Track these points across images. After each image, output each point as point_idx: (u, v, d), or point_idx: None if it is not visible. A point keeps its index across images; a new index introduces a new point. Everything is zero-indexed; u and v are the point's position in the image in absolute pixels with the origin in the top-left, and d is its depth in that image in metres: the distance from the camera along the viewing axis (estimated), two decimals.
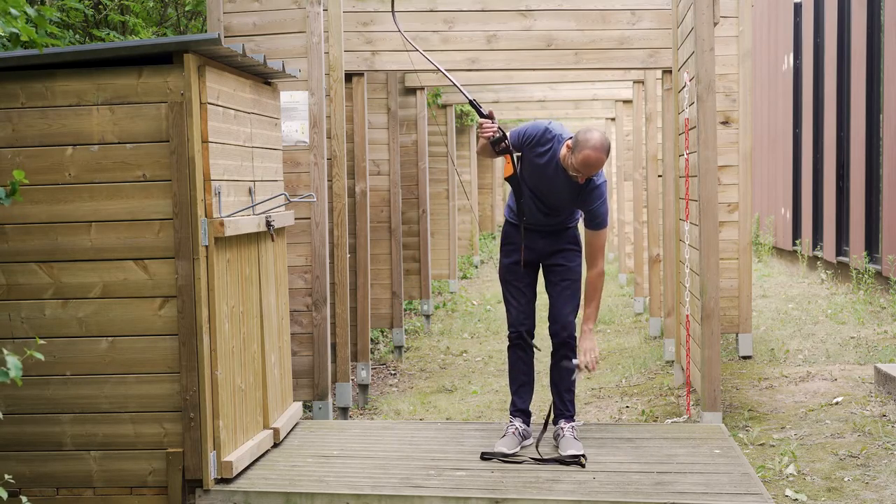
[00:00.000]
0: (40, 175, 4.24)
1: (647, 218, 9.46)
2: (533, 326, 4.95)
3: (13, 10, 3.64)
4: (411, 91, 9.99)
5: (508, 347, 5.01)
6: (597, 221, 4.75)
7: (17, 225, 4.27)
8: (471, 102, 4.75)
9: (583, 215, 4.83)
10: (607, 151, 4.52)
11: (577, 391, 7.00)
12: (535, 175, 4.76)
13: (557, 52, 6.39)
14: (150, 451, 4.28)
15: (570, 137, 4.62)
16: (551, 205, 4.82)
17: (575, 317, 4.93)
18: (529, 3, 6.40)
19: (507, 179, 4.78)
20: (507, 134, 4.71)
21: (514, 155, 4.73)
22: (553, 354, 4.96)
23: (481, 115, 4.69)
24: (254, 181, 4.79)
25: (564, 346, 4.91)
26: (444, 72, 4.91)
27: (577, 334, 4.88)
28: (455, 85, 4.89)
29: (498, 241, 5.11)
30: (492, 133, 4.65)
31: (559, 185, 4.72)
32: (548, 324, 4.92)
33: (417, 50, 5.16)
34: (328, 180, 6.09)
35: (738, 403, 6.23)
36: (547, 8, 6.39)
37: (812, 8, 12.55)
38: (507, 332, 5.00)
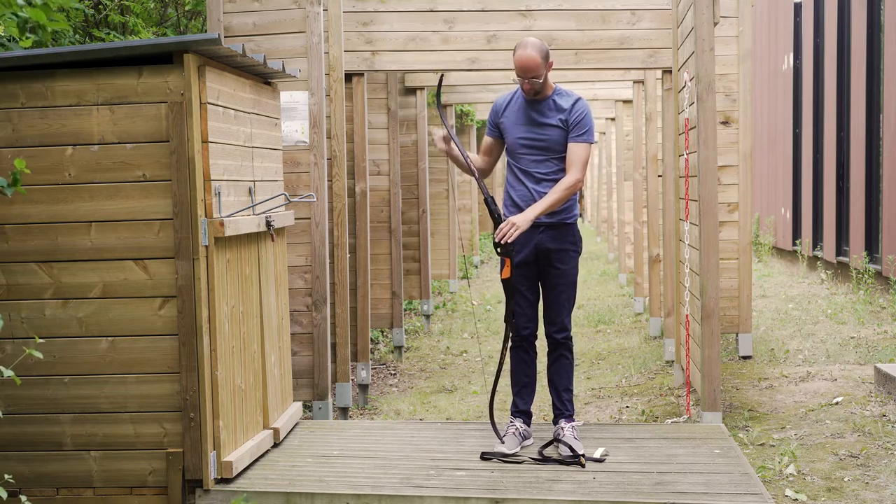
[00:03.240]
0: (40, 175, 4.24)
1: (647, 218, 9.46)
2: (536, 329, 4.95)
3: (19, 0, 3.66)
4: (411, 91, 9.99)
5: (511, 349, 5.01)
6: (581, 132, 4.79)
7: (17, 225, 4.27)
8: (486, 201, 4.80)
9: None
10: (539, 50, 4.66)
11: (576, 391, 7.02)
12: (518, 125, 4.86)
13: (557, 52, 6.38)
14: (150, 451, 4.28)
15: None
16: (542, 144, 4.83)
17: (570, 317, 4.94)
18: (529, 3, 6.40)
19: (503, 282, 4.85)
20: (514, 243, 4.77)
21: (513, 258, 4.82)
22: (549, 354, 4.97)
23: (494, 219, 4.79)
24: (254, 181, 4.79)
25: (560, 345, 4.91)
26: (477, 178, 4.97)
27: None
28: (478, 182, 4.96)
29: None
30: (499, 238, 4.72)
31: (537, 116, 4.82)
32: (543, 324, 4.94)
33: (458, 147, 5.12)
34: (328, 180, 6.09)
35: (738, 403, 6.23)
36: (547, 8, 6.39)
37: (812, 8, 12.55)
38: (511, 335, 5.00)
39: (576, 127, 4.79)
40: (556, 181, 4.82)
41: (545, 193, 4.79)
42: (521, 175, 4.86)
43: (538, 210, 4.71)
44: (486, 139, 5.03)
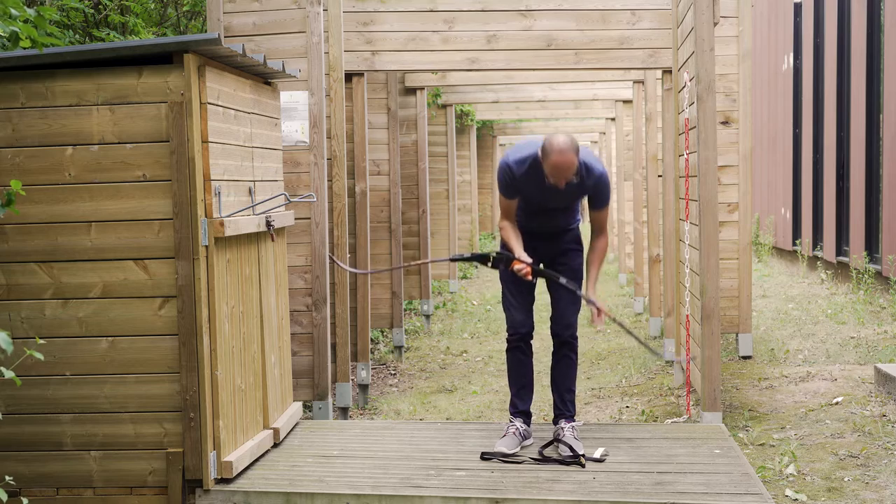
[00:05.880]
0: (40, 175, 4.24)
1: (647, 218, 9.46)
2: (532, 328, 4.95)
3: (13, 11, 3.64)
4: (411, 91, 10.00)
5: (507, 350, 5.01)
6: (601, 204, 4.83)
7: (17, 225, 4.27)
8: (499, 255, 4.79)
9: (588, 200, 4.87)
10: (576, 150, 4.52)
11: (577, 391, 7.01)
12: (532, 190, 4.78)
13: (557, 52, 6.39)
14: (150, 451, 4.28)
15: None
16: (555, 206, 4.85)
17: (577, 317, 4.94)
18: (529, 3, 6.40)
19: (534, 273, 4.81)
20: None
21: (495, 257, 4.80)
22: (554, 354, 4.97)
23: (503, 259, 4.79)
24: (254, 181, 4.79)
25: (566, 345, 4.92)
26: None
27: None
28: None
29: (498, 240, 5.08)
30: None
31: (557, 189, 4.70)
32: (549, 324, 4.94)
33: None
34: (328, 180, 6.09)
35: (738, 403, 6.23)
36: (547, 8, 6.39)
37: (812, 8, 12.55)
38: (507, 335, 5.00)
39: (598, 199, 4.80)
40: (564, 230, 4.92)
41: (556, 220, 4.90)
42: (527, 223, 4.94)
43: (593, 286, 4.86)
44: (508, 202, 4.86)
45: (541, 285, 5.01)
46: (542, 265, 4.93)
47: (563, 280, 4.77)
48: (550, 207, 4.86)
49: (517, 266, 4.69)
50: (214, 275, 4.26)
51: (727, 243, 7.38)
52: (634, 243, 10.99)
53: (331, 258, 5.52)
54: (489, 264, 4.75)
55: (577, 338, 4.94)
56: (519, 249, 4.79)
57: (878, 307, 9.18)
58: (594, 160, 4.77)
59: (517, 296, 4.91)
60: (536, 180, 4.71)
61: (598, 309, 4.74)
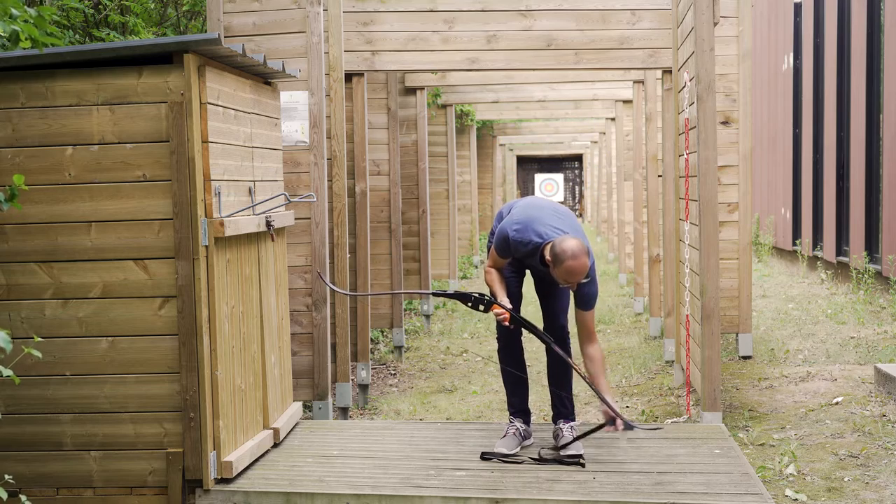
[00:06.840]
0: (40, 175, 4.24)
1: (647, 218, 9.46)
2: (521, 331, 4.95)
3: (14, 11, 3.64)
4: (411, 91, 10.00)
5: (499, 349, 5.01)
6: (587, 301, 4.69)
7: (17, 225, 4.27)
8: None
9: (573, 296, 4.72)
10: (587, 254, 4.47)
11: (576, 391, 7.01)
12: (529, 263, 4.79)
13: (557, 52, 6.39)
14: (150, 451, 4.28)
15: (545, 241, 4.56)
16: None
17: (566, 314, 4.93)
18: (529, 3, 6.40)
19: (512, 321, 4.72)
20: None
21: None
22: (548, 353, 4.95)
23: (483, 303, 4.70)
24: (254, 181, 4.79)
25: (559, 341, 4.91)
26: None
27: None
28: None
29: None
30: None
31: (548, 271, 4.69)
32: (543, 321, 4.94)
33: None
34: (328, 180, 6.10)
35: (738, 403, 6.23)
36: (547, 8, 6.39)
37: (812, 8, 12.55)
38: (496, 335, 5.01)
39: (586, 297, 4.67)
40: None
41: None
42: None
43: (605, 392, 4.66)
44: (500, 259, 4.83)
45: (529, 286, 5.02)
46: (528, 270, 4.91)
47: (545, 337, 4.73)
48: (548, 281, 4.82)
49: (496, 310, 4.68)
50: (214, 275, 4.26)
51: (727, 243, 7.38)
52: (634, 243, 10.99)
53: (319, 276, 5.53)
54: (469, 304, 4.73)
55: (569, 332, 4.93)
56: (501, 295, 4.77)
57: (878, 307, 9.18)
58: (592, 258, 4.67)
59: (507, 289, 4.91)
60: (534, 261, 4.70)
61: (611, 410, 4.61)
